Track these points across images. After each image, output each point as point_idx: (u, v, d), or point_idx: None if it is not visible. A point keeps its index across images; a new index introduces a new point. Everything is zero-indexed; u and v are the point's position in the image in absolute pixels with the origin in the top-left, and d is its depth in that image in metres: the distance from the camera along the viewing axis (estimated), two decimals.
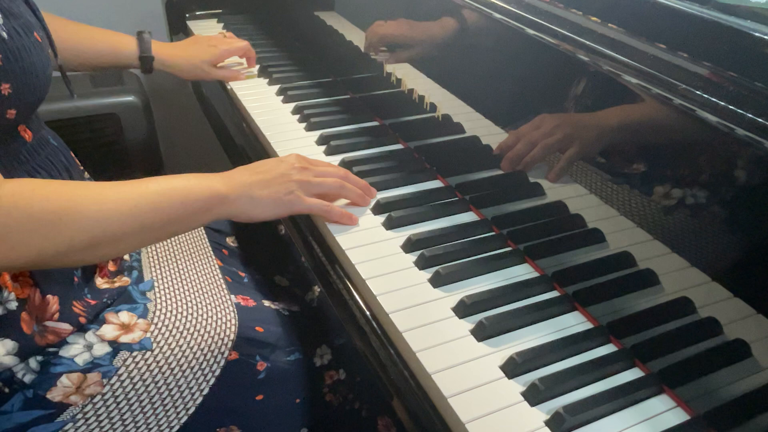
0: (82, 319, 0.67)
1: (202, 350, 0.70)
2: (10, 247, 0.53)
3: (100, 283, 0.73)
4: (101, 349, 0.66)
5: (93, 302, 0.69)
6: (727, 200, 0.53)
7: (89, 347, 0.66)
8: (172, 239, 0.85)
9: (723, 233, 0.54)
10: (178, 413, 0.67)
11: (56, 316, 0.65)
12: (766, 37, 0.50)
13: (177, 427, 0.67)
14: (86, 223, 0.57)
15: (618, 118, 0.62)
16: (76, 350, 0.65)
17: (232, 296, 0.79)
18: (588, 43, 0.61)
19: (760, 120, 0.47)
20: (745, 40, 0.51)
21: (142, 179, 0.63)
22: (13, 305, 0.62)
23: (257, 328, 0.76)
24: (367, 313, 0.64)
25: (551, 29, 0.65)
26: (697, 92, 0.51)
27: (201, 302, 0.75)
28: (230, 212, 0.68)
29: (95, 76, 1.49)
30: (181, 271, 0.79)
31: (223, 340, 0.72)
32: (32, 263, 0.56)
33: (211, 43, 1.10)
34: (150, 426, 0.66)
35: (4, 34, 0.59)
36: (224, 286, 0.80)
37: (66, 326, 0.66)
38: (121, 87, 1.46)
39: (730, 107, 0.49)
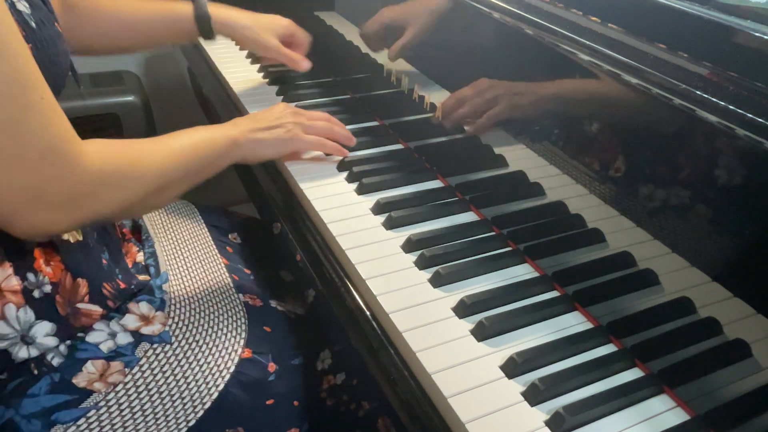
0: (110, 303, 0.69)
1: (217, 346, 0.71)
2: (103, 198, 0.60)
3: (130, 262, 0.75)
4: (124, 339, 0.68)
5: (123, 285, 0.71)
6: (727, 200, 0.53)
7: (113, 335, 0.67)
8: (178, 239, 0.86)
9: (723, 233, 0.54)
10: (194, 407, 0.68)
11: (86, 298, 0.67)
12: (766, 37, 0.50)
13: (193, 422, 0.68)
14: (153, 172, 0.65)
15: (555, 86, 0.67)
16: (100, 337, 0.67)
17: (240, 295, 0.80)
18: (588, 43, 0.61)
19: (760, 120, 0.47)
20: (745, 40, 0.51)
21: (174, 134, 0.71)
22: (48, 288, 0.63)
23: (265, 328, 0.77)
24: (367, 313, 0.64)
25: (551, 29, 0.65)
26: (697, 92, 0.51)
27: (212, 299, 0.77)
28: (241, 155, 0.77)
29: (95, 76, 1.49)
30: (190, 269, 0.81)
31: (235, 337, 0.73)
32: (119, 213, 0.65)
33: (278, 18, 1.02)
34: (168, 418, 0.67)
35: (33, 24, 0.61)
36: (232, 285, 0.81)
37: (96, 308, 0.68)
38: (121, 87, 1.46)
39: (730, 107, 0.49)
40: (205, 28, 0.95)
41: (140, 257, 0.79)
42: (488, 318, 0.60)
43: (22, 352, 0.62)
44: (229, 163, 0.76)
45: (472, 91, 0.80)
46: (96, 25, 0.90)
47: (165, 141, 0.69)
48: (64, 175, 0.56)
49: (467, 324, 0.61)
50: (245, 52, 1.21)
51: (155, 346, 0.68)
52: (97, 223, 0.68)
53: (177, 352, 0.69)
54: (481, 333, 0.59)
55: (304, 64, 0.98)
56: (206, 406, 0.68)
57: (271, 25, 0.99)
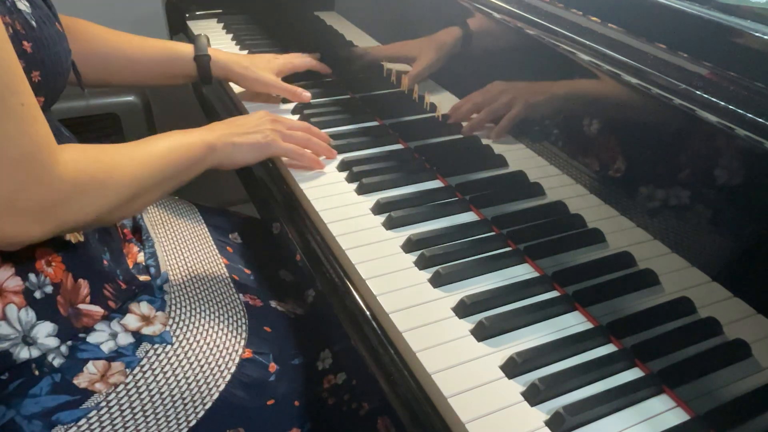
0: (111, 303, 0.69)
1: (218, 346, 0.71)
2: (79, 207, 0.59)
3: (131, 263, 0.75)
4: (125, 339, 0.68)
5: (124, 286, 0.71)
6: (727, 200, 0.53)
7: (114, 336, 0.67)
8: (178, 239, 0.86)
9: (723, 233, 0.54)
10: (195, 408, 0.68)
11: (87, 299, 0.67)
12: (766, 37, 0.50)
13: (194, 422, 0.68)
14: (127, 179, 0.64)
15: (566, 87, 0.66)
16: (101, 337, 0.67)
17: (241, 295, 0.80)
18: (588, 43, 0.61)
19: (760, 120, 0.47)
20: (745, 40, 0.51)
21: (150, 139, 0.71)
22: (49, 289, 0.64)
23: (266, 329, 0.77)
24: (367, 313, 0.64)
25: (551, 29, 0.65)
26: (697, 92, 0.51)
27: (212, 300, 0.77)
28: (218, 159, 0.76)
29: None
30: (190, 269, 0.81)
31: (236, 338, 0.73)
32: (93, 221, 0.62)
33: (273, 55, 1.06)
34: (169, 419, 0.67)
35: (33, 23, 0.61)
36: (232, 285, 0.81)
37: (98, 309, 0.68)
38: (122, 87, 1.46)
39: (730, 107, 0.49)
40: (205, 69, 0.97)
41: (141, 257, 0.79)
42: (488, 318, 0.60)
43: (24, 353, 0.62)
44: (205, 168, 0.75)
45: (487, 96, 0.79)
46: (92, 56, 0.89)
47: (140, 147, 0.69)
48: (39, 182, 0.55)
49: (467, 324, 0.61)
50: (245, 53, 1.21)
51: (156, 346, 0.68)
52: (71, 232, 0.67)
53: (178, 352, 0.69)
54: (481, 333, 0.59)
55: (305, 95, 1.00)
56: (207, 407, 0.69)
57: (267, 63, 1.02)
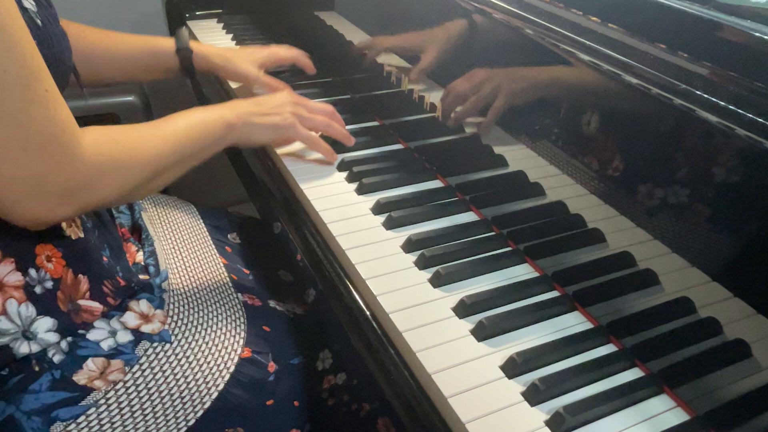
0: (110, 300, 0.69)
1: (216, 346, 0.72)
2: (101, 187, 0.61)
3: (130, 262, 0.76)
4: (124, 337, 0.68)
5: (123, 283, 0.71)
6: (727, 200, 0.53)
7: (113, 333, 0.68)
8: (177, 239, 0.87)
9: (723, 233, 0.54)
10: (194, 407, 0.68)
11: (87, 295, 0.67)
12: (766, 37, 0.50)
13: (193, 421, 0.68)
14: (148, 159, 0.66)
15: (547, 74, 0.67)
16: (101, 335, 0.67)
17: (239, 295, 0.80)
18: (588, 42, 0.61)
19: (760, 120, 0.47)
20: (745, 40, 0.51)
21: (170, 117, 0.72)
22: (49, 284, 0.64)
23: (264, 328, 0.77)
24: (367, 313, 0.64)
25: (551, 29, 0.65)
26: (697, 92, 0.51)
27: (211, 299, 0.77)
28: (236, 137, 0.77)
29: None
30: (189, 268, 0.81)
31: (234, 337, 0.73)
32: (116, 200, 0.65)
33: (258, 47, 1.04)
34: (168, 418, 0.67)
35: (39, 22, 0.62)
36: (231, 285, 0.81)
37: (97, 305, 0.68)
38: (121, 87, 1.46)
39: (730, 107, 0.49)
40: (187, 62, 0.97)
41: (140, 257, 0.80)
42: (488, 318, 0.60)
43: (23, 348, 0.63)
44: (225, 146, 0.77)
45: (469, 86, 0.79)
46: (78, 55, 0.89)
47: (160, 126, 0.70)
48: (64, 165, 0.57)
49: (467, 324, 0.61)
50: None
51: (155, 344, 0.68)
52: (95, 210, 0.69)
53: (177, 351, 0.69)
54: (481, 333, 0.59)
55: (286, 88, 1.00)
56: (206, 406, 0.69)
57: (251, 56, 1.01)
